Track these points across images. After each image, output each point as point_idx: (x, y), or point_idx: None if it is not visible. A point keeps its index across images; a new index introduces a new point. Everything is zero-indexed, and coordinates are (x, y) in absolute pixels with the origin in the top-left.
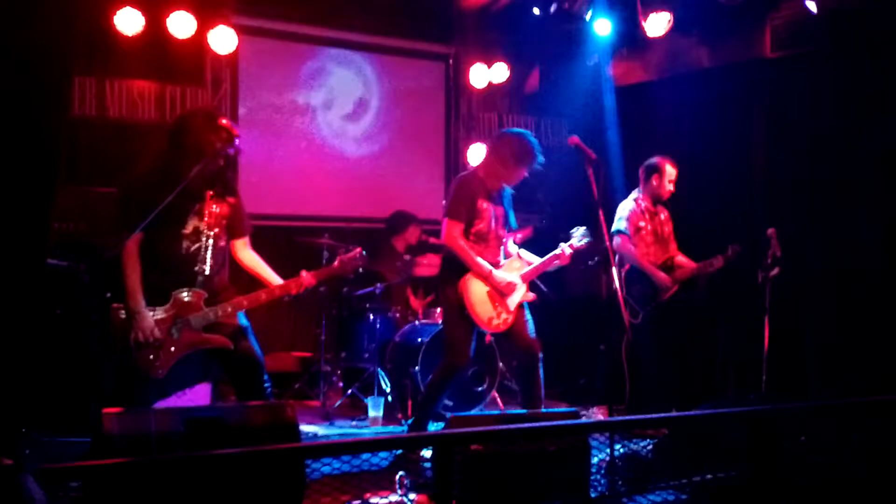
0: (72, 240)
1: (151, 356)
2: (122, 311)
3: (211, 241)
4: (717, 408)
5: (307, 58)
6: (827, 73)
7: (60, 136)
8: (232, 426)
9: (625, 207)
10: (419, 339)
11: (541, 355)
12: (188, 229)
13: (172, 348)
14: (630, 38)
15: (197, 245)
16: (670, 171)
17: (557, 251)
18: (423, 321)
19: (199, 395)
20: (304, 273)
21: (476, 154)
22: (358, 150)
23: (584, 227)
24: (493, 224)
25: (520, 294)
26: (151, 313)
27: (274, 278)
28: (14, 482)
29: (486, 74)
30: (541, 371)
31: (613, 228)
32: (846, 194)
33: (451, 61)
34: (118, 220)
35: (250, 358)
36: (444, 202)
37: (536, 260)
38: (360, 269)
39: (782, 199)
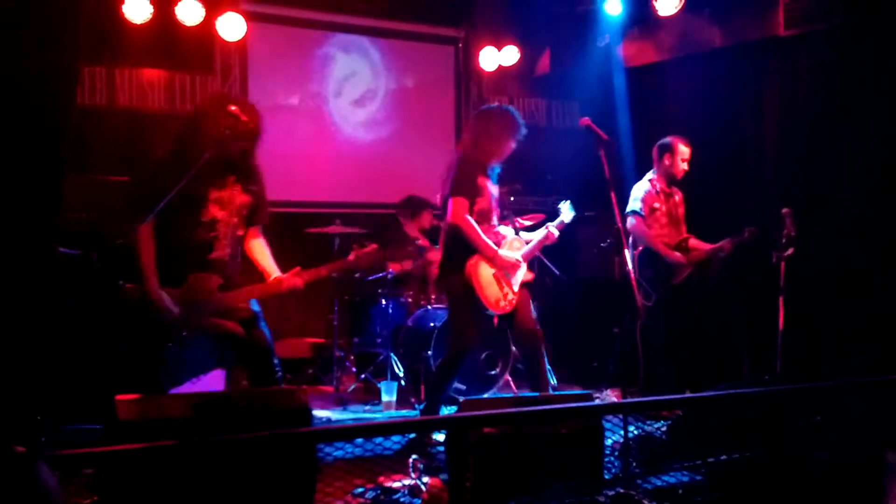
0: (83, 229)
1: (164, 338)
2: (136, 293)
3: (229, 230)
4: (731, 389)
5: (316, 44)
6: (841, 50)
7: (69, 125)
8: (245, 411)
9: (639, 188)
10: (431, 324)
11: (543, 339)
12: (207, 217)
13: (185, 332)
14: (641, 18)
15: (214, 233)
16: (683, 150)
17: (544, 233)
18: (435, 306)
19: (212, 381)
20: (292, 274)
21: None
22: (368, 136)
23: (569, 201)
24: (492, 202)
25: (522, 273)
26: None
27: (273, 270)
28: (28, 469)
29: (496, 57)
30: (544, 355)
31: (628, 209)
32: (859, 173)
33: (460, 45)
34: (132, 205)
35: (261, 344)
36: (444, 182)
37: (532, 239)
38: (375, 266)
39: (796, 178)
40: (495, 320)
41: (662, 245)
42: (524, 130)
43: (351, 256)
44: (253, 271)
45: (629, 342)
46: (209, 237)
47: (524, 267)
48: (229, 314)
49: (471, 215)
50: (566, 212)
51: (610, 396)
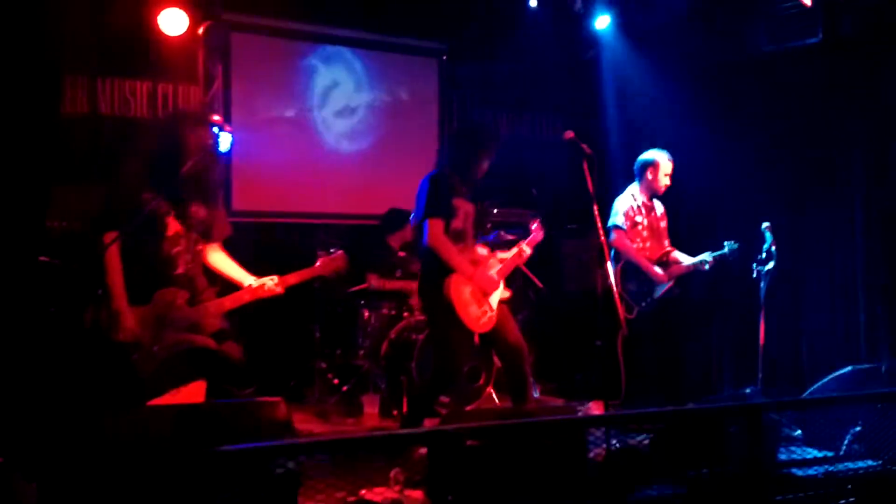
0: (65, 237)
1: (135, 356)
2: (101, 310)
3: (191, 244)
4: (713, 402)
5: (299, 54)
6: (822, 67)
7: (52, 134)
8: (226, 423)
9: (621, 202)
10: (414, 336)
11: (526, 353)
12: (170, 232)
13: (155, 348)
14: (625, 34)
15: (178, 248)
16: (665, 165)
17: (516, 251)
18: (418, 318)
19: (193, 393)
20: (270, 281)
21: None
22: (351, 148)
23: (539, 217)
24: (465, 222)
25: (499, 292)
26: (133, 313)
27: (245, 278)
28: (4, 480)
29: (479, 70)
30: (528, 370)
31: (609, 223)
32: (840, 187)
33: (444, 57)
34: (103, 220)
35: (233, 358)
36: (418, 203)
37: (506, 257)
38: (342, 272)
39: (777, 193)
40: (476, 338)
41: (644, 259)
42: (496, 147)
43: (318, 263)
44: (223, 283)
45: (611, 355)
46: (173, 252)
47: (501, 285)
48: (199, 329)
49: (447, 235)
50: (538, 230)
51: (592, 409)
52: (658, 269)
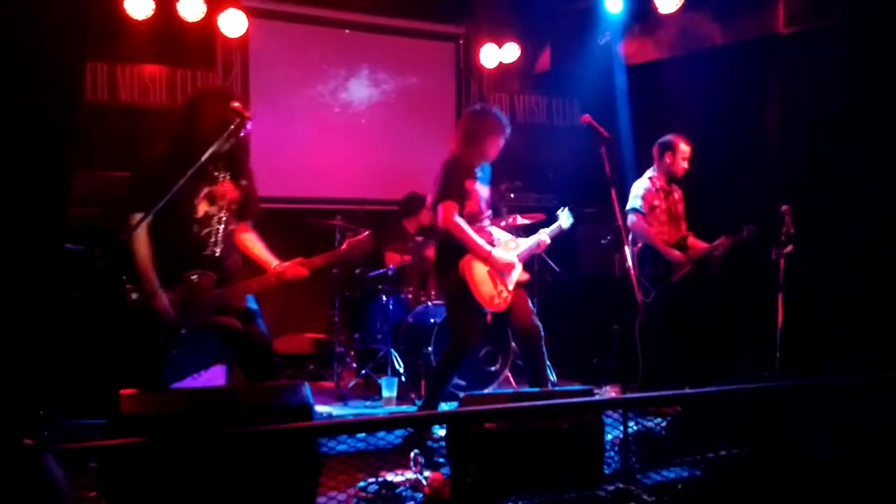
0: (86, 224)
1: (162, 337)
2: (135, 293)
3: (222, 226)
4: (730, 385)
5: (317, 40)
6: (841, 47)
7: (74, 122)
8: (247, 406)
9: (639, 186)
10: (431, 320)
11: (542, 335)
12: (199, 213)
13: (183, 330)
14: (642, 16)
15: (208, 229)
16: (684, 148)
17: (536, 240)
18: (436, 302)
19: (214, 376)
20: (295, 263)
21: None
22: (368, 133)
23: (567, 208)
24: (482, 204)
25: (517, 273)
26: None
27: (271, 261)
28: (35, 462)
29: (496, 54)
30: (544, 351)
31: (628, 207)
32: (859, 170)
33: (461, 42)
34: (130, 202)
35: (259, 340)
36: (433, 187)
37: (527, 241)
38: (369, 252)
39: (796, 175)
40: (489, 317)
41: (661, 242)
42: (508, 129)
43: (344, 245)
44: (250, 265)
45: (629, 339)
46: (202, 234)
47: (519, 267)
48: (227, 310)
49: (461, 217)
50: (564, 219)
51: (609, 392)
52: (675, 252)
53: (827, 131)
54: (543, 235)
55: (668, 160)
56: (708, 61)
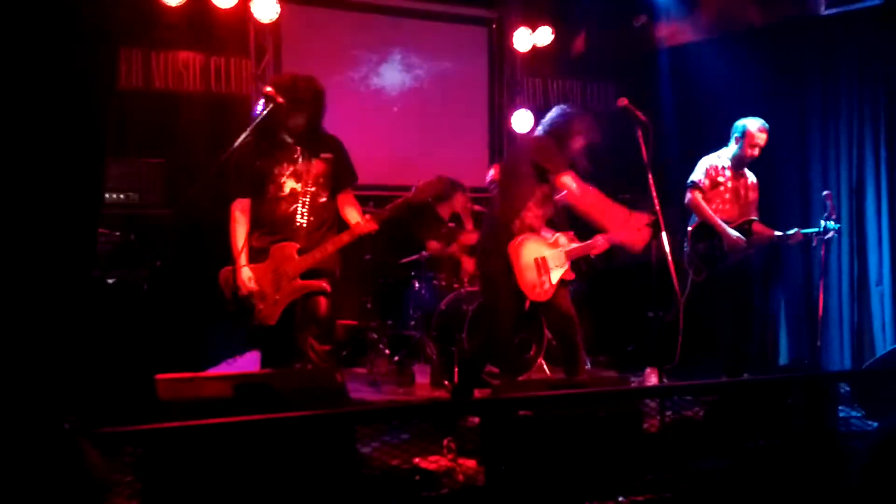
0: (121, 210)
1: (260, 307)
2: (230, 273)
3: (309, 199)
4: (770, 373)
5: (349, 25)
6: (883, 29)
7: (109, 108)
8: (282, 392)
9: (706, 160)
10: (464, 307)
11: (577, 325)
12: (285, 191)
13: (277, 298)
14: None
15: (295, 205)
16: (755, 134)
17: (591, 241)
18: (468, 289)
19: (248, 362)
20: (366, 218)
21: (521, 119)
22: (400, 118)
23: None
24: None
25: (563, 270)
26: (251, 268)
27: (355, 221)
28: (74, 446)
29: (530, 38)
30: (580, 341)
31: (688, 180)
32: None
33: (494, 25)
34: (229, 191)
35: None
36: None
37: (581, 243)
38: (442, 196)
39: (838, 161)
40: (527, 304)
41: (718, 220)
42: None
43: (412, 191)
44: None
45: (666, 324)
46: (290, 210)
47: (566, 266)
48: (316, 274)
49: None
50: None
51: (648, 375)
52: (734, 233)
53: (870, 115)
54: (600, 239)
55: (736, 144)
56: (746, 43)
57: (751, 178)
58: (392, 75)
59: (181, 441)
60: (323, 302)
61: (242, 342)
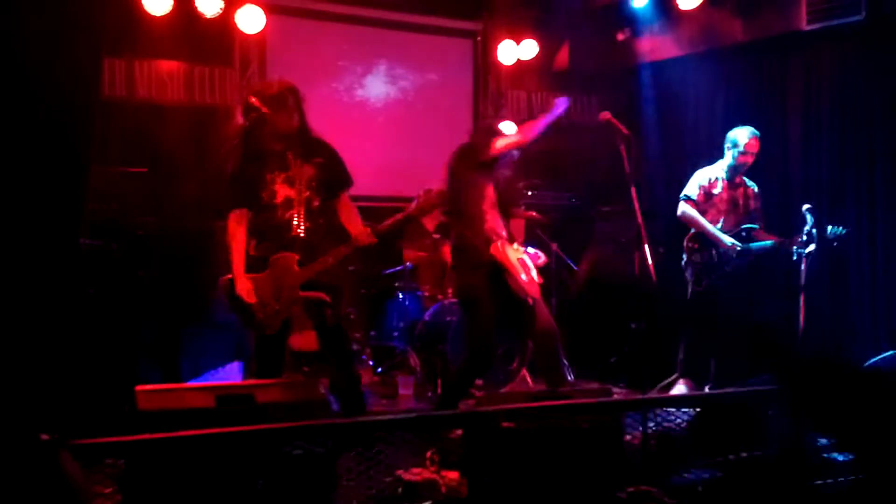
0: (103, 220)
1: (261, 317)
2: (228, 282)
3: (303, 206)
4: (752, 385)
5: (335, 36)
6: (865, 44)
7: (92, 117)
8: (263, 403)
9: (700, 173)
10: (448, 318)
11: (559, 336)
12: (280, 198)
13: (277, 308)
14: (662, 13)
15: (290, 211)
16: (746, 143)
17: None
18: (452, 300)
19: (230, 372)
20: (365, 232)
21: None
22: (386, 130)
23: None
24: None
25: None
26: (251, 278)
27: (353, 230)
28: (52, 457)
29: (514, 51)
30: (561, 351)
31: (682, 194)
32: (884, 169)
33: (479, 38)
34: (223, 202)
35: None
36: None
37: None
38: (438, 208)
39: (819, 173)
40: (530, 300)
41: (711, 228)
42: None
43: (412, 205)
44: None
45: (648, 336)
46: (286, 217)
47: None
48: (315, 286)
49: None
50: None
51: (681, 386)
52: (728, 240)
53: (851, 130)
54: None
55: (729, 154)
56: (729, 58)
57: (751, 186)
58: (377, 87)
59: (162, 452)
60: (328, 314)
61: (224, 353)
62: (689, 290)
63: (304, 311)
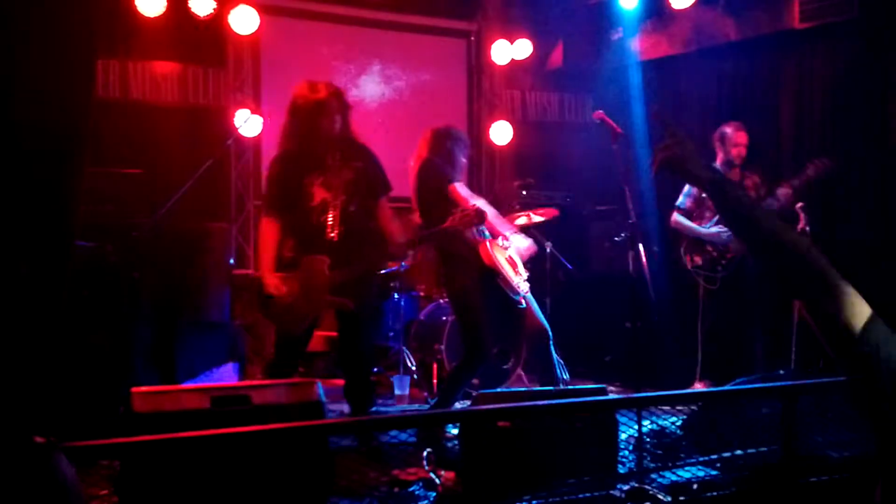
0: (97, 221)
1: (287, 317)
2: (258, 280)
3: (339, 209)
4: (745, 384)
5: (328, 37)
6: (857, 43)
7: (86, 119)
8: (259, 404)
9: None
10: (444, 318)
11: (550, 336)
12: (315, 201)
13: (304, 310)
14: (655, 11)
15: (325, 215)
16: (731, 135)
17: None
18: (447, 300)
19: (225, 373)
20: (396, 247)
21: (499, 132)
22: (379, 129)
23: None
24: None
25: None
26: (281, 276)
27: (392, 238)
28: (46, 460)
29: (508, 51)
30: (553, 351)
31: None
32: (876, 167)
33: (473, 38)
34: (264, 203)
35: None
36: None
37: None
38: (477, 226)
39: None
40: (521, 300)
41: (699, 228)
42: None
43: (447, 222)
44: None
45: (643, 337)
46: (320, 220)
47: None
48: (345, 290)
49: None
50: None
51: (696, 387)
52: (713, 230)
53: (843, 127)
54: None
55: (719, 149)
56: (722, 57)
57: (748, 179)
58: (371, 87)
59: (158, 454)
60: (353, 318)
61: (220, 354)
62: (700, 290)
63: (332, 313)
